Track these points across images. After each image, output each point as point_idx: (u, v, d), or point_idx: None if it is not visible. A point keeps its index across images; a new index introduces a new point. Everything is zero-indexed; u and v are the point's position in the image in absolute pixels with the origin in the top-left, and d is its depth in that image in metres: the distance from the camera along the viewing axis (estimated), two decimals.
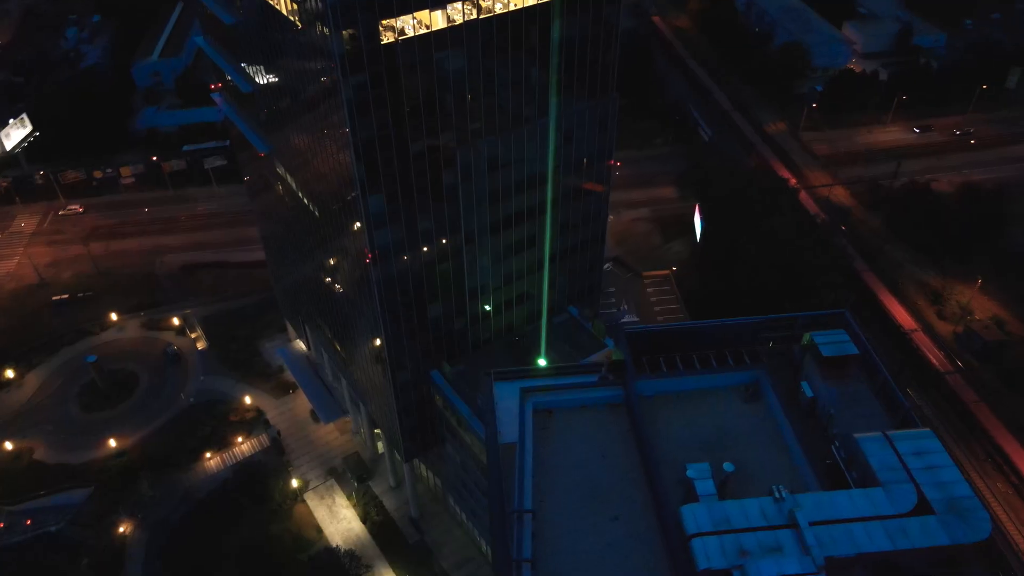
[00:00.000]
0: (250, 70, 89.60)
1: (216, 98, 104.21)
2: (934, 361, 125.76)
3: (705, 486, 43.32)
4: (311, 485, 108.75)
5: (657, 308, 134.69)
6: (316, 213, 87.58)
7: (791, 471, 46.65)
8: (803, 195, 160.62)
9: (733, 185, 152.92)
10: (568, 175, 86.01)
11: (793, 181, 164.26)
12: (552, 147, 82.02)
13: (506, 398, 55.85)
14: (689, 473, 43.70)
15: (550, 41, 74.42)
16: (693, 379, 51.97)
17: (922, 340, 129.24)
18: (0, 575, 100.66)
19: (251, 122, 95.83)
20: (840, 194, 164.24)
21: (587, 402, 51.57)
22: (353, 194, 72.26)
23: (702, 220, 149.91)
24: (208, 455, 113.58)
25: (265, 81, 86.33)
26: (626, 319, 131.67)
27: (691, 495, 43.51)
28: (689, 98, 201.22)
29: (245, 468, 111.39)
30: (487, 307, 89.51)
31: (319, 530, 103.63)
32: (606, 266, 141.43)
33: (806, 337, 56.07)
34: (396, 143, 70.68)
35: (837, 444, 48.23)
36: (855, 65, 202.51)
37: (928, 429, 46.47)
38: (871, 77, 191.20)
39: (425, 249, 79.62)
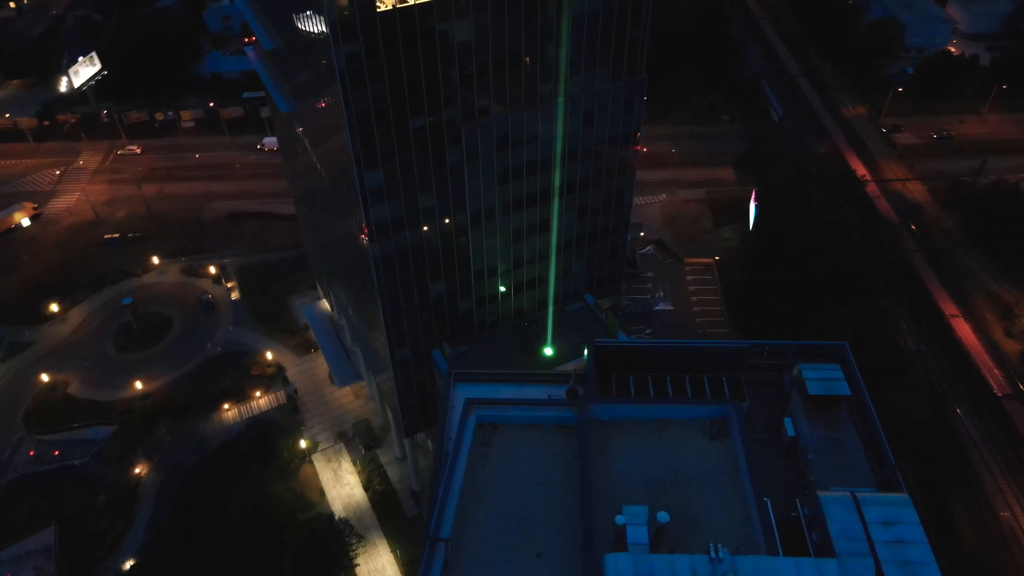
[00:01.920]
0: (272, 27, 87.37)
1: (248, 51, 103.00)
2: (993, 383, 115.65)
3: (637, 533, 39.36)
4: (320, 447, 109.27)
5: (695, 298, 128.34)
6: (326, 179, 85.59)
7: (743, 524, 42.20)
8: (872, 188, 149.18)
9: (793, 172, 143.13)
10: (587, 159, 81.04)
11: (864, 172, 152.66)
12: (569, 129, 77.05)
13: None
14: (619, 519, 39.84)
15: (569, 13, 68.93)
16: (655, 407, 47.62)
17: (981, 357, 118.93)
18: (24, 501, 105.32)
19: (276, 79, 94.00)
20: (915, 190, 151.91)
21: (538, 419, 48.00)
22: (350, 167, 69.49)
23: (757, 207, 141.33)
24: (226, 406, 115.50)
25: (282, 41, 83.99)
26: (660, 307, 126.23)
27: (621, 542, 39.79)
28: (764, 73, 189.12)
29: (259, 423, 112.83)
30: (494, 290, 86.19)
31: (322, 493, 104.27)
32: (647, 249, 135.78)
33: (796, 369, 50.65)
34: (395, 117, 67.38)
35: (800, 499, 43.33)
36: (954, 47, 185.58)
37: (905, 495, 41.00)
38: (970, 61, 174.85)
39: (427, 228, 76.64)
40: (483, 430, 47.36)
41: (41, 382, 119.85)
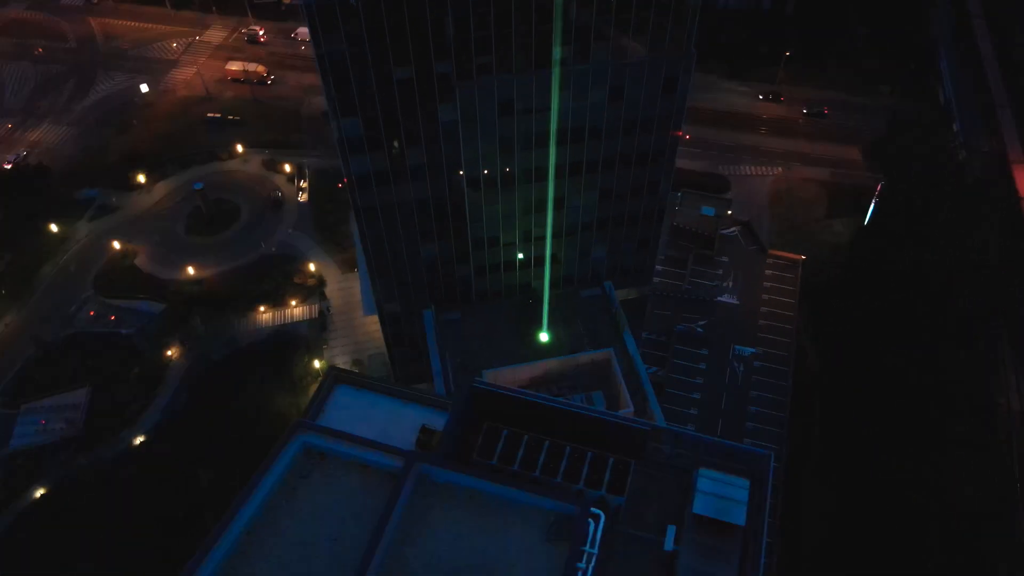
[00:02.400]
0: None
1: None
2: None
3: None
4: None
5: (766, 296, 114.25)
6: None
7: None
8: None
9: (933, 170, 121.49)
10: (613, 138, 70.44)
11: None
12: (591, 102, 66.70)
13: (346, 407, 47.95)
14: None
15: None
16: (494, 486, 40.13)
17: None
18: (72, 357, 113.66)
19: None
20: None
21: (367, 461, 42.20)
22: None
23: (876, 204, 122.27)
24: (263, 308, 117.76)
25: None
26: (724, 298, 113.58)
27: None
28: (947, 42, 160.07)
29: (288, 332, 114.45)
30: (496, 261, 79.29)
31: None
32: (731, 230, 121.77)
33: (694, 473, 41.39)
34: (375, 65, 60.48)
35: None
36: None
37: None
38: None
39: (416, 186, 70.25)
40: (309, 458, 42.37)
41: (113, 248, 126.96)
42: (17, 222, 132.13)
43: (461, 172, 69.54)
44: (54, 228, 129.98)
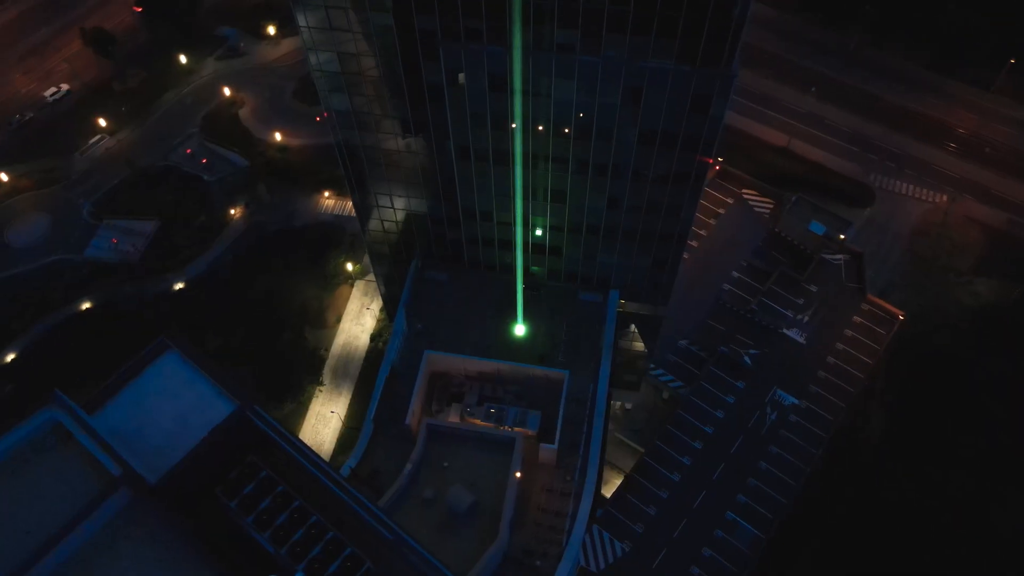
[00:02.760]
0: None
1: None
2: None
3: None
4: (365, 276, 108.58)
5: (841, 346, 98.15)
6: None
7: None
8: None
9: None
10: (625, 147, 59.38)
11: None
12: (601, 100, 56.00)
13: (163, 377, 45.37)
14: None
15: None
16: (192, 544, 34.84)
17: None
18: (158, 186, 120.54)
19: None
20: None
21: (102, 462, 37.84)
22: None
23: None
24: (327, 194, 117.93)
25: None
26: (791, 333, 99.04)
27: None
28: None
29: (340, 224, 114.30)
30: (489, 235, 72.32)
31: (339, 319, 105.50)
32: (836, 257, 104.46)
33: None
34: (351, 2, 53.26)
35: None
36: None
37: None
38: None
39: (401, 137, 63.77)
40: (55, 434, 39.95)
41: (223, 93, 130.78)
42: (157, 45, 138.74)
43: (449, 139, 61.87)
44: (184, 59, 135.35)
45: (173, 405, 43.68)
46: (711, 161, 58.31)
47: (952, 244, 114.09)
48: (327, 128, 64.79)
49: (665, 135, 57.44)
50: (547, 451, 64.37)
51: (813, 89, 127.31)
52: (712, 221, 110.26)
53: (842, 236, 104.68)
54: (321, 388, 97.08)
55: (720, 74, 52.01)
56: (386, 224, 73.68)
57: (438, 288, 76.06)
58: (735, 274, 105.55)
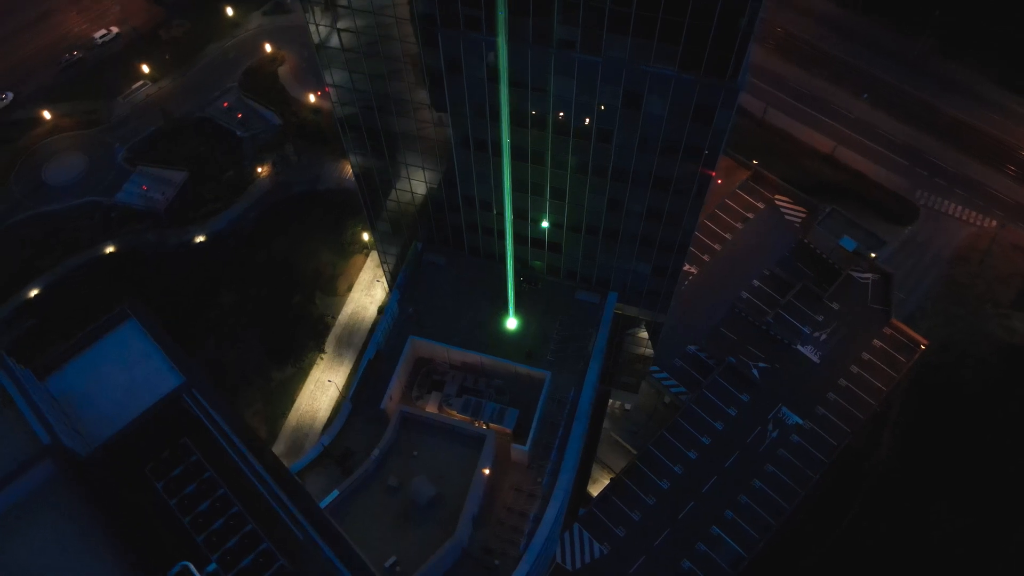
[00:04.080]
0: None
1: None
2: None
3: None
4: None
5: (856, 369, 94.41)
6: None
7: None
8: None
9: None
10: (626, 150, 57.08)
11: None
12: (600, 101, 53.75)
13: (120, 345, 45.47)
14: None
15: None
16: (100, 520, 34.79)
17: None
18: (191, 138, 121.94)
19: None
20: None
21: (34, 430, 38.16)
22: None
23: None
24: None
25: None
26: (805, 350, 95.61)
27: None
28: None
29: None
30: (489, 224, 70.92)
31: (350, 288, 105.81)
32: (866, 275, 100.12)
33: None
34: None
35: None
36: None
37: None
38: None
39: (400, 117, 62.57)
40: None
41: (264, 50, 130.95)
42: None
43: (447, 127, 60.39)
44: (231, 12, 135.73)
45: (126, 376, 43.91)
46: (713, 173, 55.57)
47: (994, 274, 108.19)
48: None
49: (666, 143, 54.93)
50: (520, 451, 63.42)
51: (865, 96, 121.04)
52: (739, 225, 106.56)
53: (873, 254, 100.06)
54: (323, 356, 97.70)
55: (725, 86, 49.15)
56: (388, 203, 72.80)
57: (436, 272, 75.11)
58: (755, 283, 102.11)
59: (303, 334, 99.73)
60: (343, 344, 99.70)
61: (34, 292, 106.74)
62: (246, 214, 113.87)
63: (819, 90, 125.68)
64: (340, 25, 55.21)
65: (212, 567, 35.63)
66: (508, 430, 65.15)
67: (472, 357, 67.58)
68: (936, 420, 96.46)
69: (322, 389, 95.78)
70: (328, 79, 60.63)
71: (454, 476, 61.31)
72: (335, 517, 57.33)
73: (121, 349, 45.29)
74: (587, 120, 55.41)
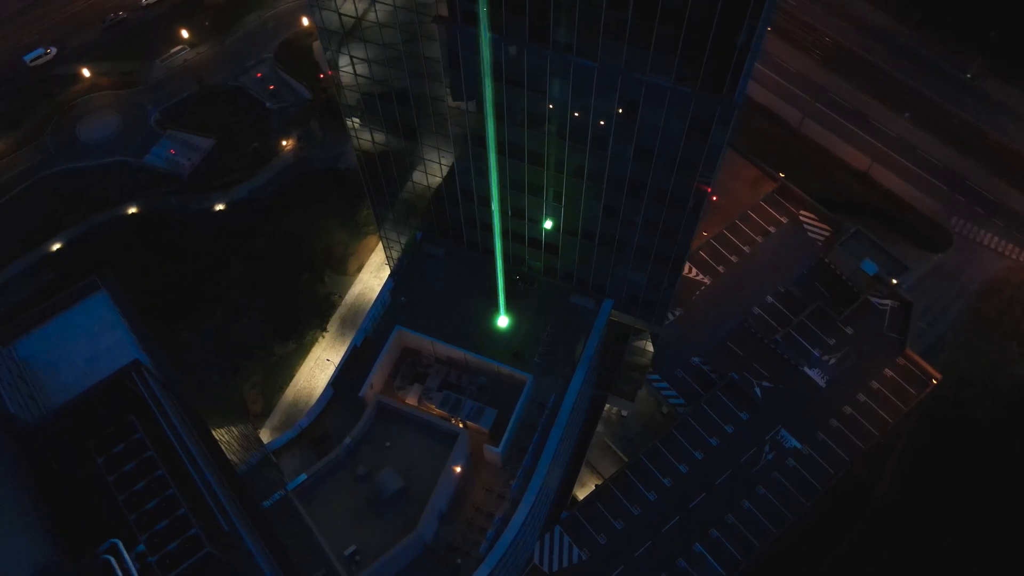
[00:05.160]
0: None
1: None
2: None
3: None
4: None
5: (862, 398, 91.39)
6: None
7: None
8: None
9: None
10: (621, 159, 55.62)
11: None
12: (596, 106, 52.36)
13: (89, 315, 46.13)
14: None
15: None
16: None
17: None
18: (222, 106, 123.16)
19: None
20: None
21: None
22: None
23: None
24: None
25: None
26: (812, 373, 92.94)
27: None
28: None
29: None
30: (487, 221, 70.05)
31: (359, 269, 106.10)
32: (884, 303, 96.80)
33: None
34: None
35: None
36: None
37: None
38: None
39: (400, 107, 61.96)
40: None
41: (301, 23, 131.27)
42: None
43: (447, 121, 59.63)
44: None
45: (90, 346, 44.47)
46: (709, 190, 53.77)
47: (975, 277, 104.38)
48: None
49: (661, 155, 53.30)
50: (492, 452, 62.87)
51: (907, 115, 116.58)
52: (759, 238, 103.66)
53: (895, 280, 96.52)
54: (324, 334, 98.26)
55: (721, 101, 47.32)
56: (389, 190, 72.41)
57: (434, 264, 74.64)
58: (769, 299, 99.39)
59: (308, 311, 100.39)
60: (347, 324, 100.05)
61: (56, 246, 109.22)
62: (266, 186, 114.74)
63: (861, 104, 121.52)
64: (343, 10, 54.57)
65: (140, 548, 35.79)
66: (485, 430, 64.56)
67: (457, 353, 67.02)
68: (947, 454, 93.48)
69: (321, 367, 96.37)
70: (329, 63, 60.17)
71: (423, 471, 61.06)
72: (302, 500, 57.85)
73: (89, 320, 45.87)
74: (583, 125, 54.00)
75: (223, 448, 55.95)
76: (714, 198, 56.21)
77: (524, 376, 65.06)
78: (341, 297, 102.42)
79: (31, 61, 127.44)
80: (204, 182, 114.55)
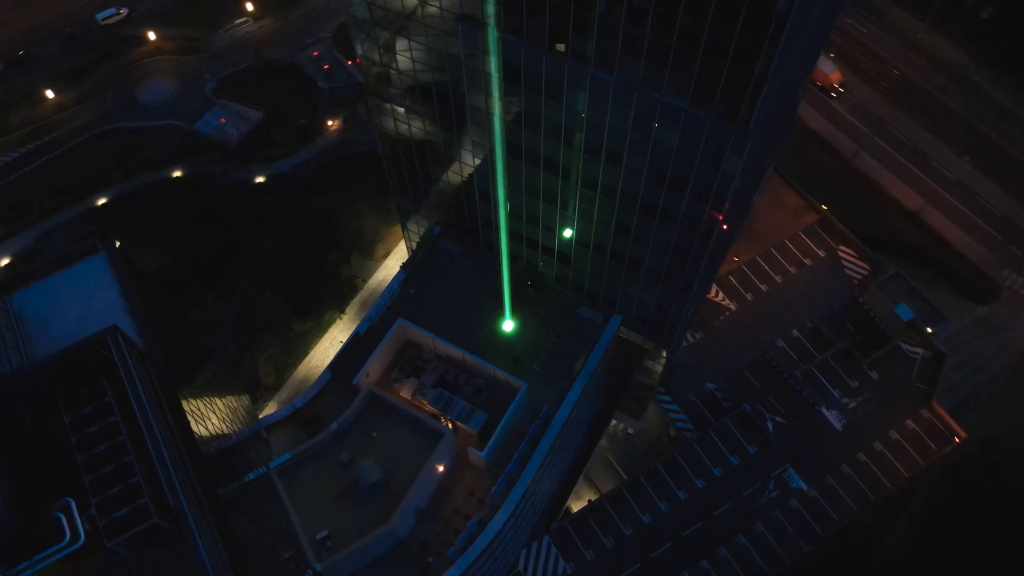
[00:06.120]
0: None
1: None
2: None
3: None
4: None
5: (879, 447, 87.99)
6: None
7: None
8: None
9: None
10: (634, 176, 54.45)
11: None
12: (611, 121, 51.33)
13: (82, 276, 47.21)
14: None
15: None
16: None
17: None
18: (279, 79, 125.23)
19: None
20: None
21: None
22: None
23: None
24: None
25: None
26: (828, 414, 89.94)
27: None
28: None
29: None
30: (498, 223, 69.57)
31: (387, 255, 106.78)
32: (916, 351, 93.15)
33: None
34: None
35: None
36: None
37: None
38: None
39: (423, 103, 61.86)
40: None
41: None
42: None
43: (466, 121, 59.22)
44: None
45: (83, 305, 45.54)
46: (720, 217, 52.16)
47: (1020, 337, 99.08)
48: None
49: (674, 176, 51.89)
50: (477, 455, 62.44)
51: (967, 158, 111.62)
52: (793, 270, 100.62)
53: (930, 329, 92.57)
54: (342, 316, 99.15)
55: (736, 129, 45.74)
56: (411, 181, 72.43)
57: (448, 260, 74.45)
58: (794, 332, 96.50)
59: (330, 291, 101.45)
60: (365, 308, 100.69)
61: (102, 201, 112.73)
62: (307, 163, 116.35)
63: (922, 142, 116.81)
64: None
65: (91, 511, 36.45)
66: (473, 432, 64.13)
67: (456, 352, 66.71)
68: (967, 512, 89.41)
69: (335, 348, 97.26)
70: (360, 51, 60.35)
71: (405, 465, 60.99)
72: (284, 479, 58.36)
73: (85, 281, 46.97)
74: (598, 138, 52.95)
75: (214, 418, 56.93)
76: (724, 227, 54.35)
77: (518, 384, 64.32)
78: (364, 281, 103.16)
79: (102, 20, 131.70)
80: (249, 153, 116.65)
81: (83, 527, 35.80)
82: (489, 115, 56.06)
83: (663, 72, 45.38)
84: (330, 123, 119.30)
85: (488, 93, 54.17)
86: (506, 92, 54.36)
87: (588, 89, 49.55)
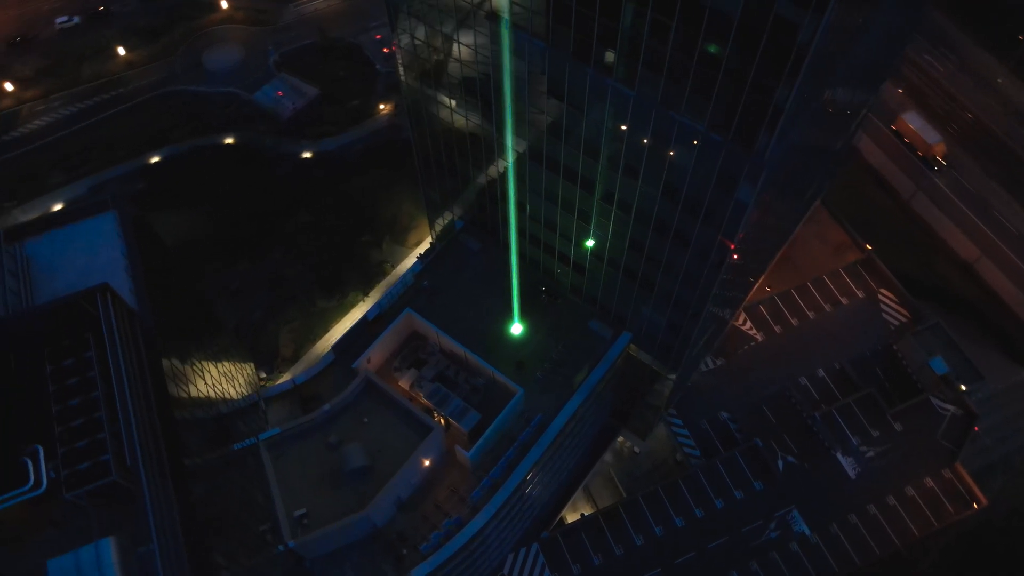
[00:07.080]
0: None
1: None
2: None
3: None
4: None
5: (892, 501, 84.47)
6: None
7: None
8: None
9: None
10: (649, 194, 53.28)
11: None
12: (629, 136, 50.35)
13: (94, 233, 48.51)
14: None
15: None
16: None
17: None
18: (336, 58, 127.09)
19: None
20: None
21: None
22: None
23: None
24: None
25: None
26: (844, 460, 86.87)
27: None
28: None
29: None
30: (521, 227, 69.14)
31: (418, 243, 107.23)
32: (947, 408, 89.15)
33: None
34: None
35: None
36: None
37: None
38: None
39: (452, 100, 61.81)
40: None
41: None
42: None
43: (491, 122, 58.90)
44: None
45: (87, 260, 46.84)
46: (732, 245, 50.59)
47: None
48: None
49: (688, 199, 50.51)
50: (463, 454, 62.19)
51: None
52: (828, 307, 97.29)
53: (963, 387, 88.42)
54: (365, 299, 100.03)
55: (751, 158, 44.20)
56: (438, 173, 72.53)
57: (467, 256, 74.32)
58: (820, 372, 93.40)
59: (358, 273, 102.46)
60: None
61: (155, 159, 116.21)
62: (354, 144, 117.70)
63: (987, 191, 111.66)
64: None
65: (57, 462, 37.43)
66: (464, 431, 63.88)
67: (459, 349, 66.50)
68: None
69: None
70: (393, 32, 60.59)
71: (391, 455, 61.11)
72: (272, 453, 59.13)
73: (94, 235, 48.30)
74: (616, 151, 51.93)
75: (200, 384, 57.93)
76: (735, 256, 52.68)
77: (515, 388, 63.77)
78: (393, 266, 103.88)
79: None
80: (299, 128, 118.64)
81: (48, 475, 36.78)
82: (507, 116, 55.50)
83: (682, 93, 44.11)
84: (382, 107, 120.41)
85: (505, 93, 53.64)
86: (529, 98, 53.72)
87: (608, 102, 48.54)
